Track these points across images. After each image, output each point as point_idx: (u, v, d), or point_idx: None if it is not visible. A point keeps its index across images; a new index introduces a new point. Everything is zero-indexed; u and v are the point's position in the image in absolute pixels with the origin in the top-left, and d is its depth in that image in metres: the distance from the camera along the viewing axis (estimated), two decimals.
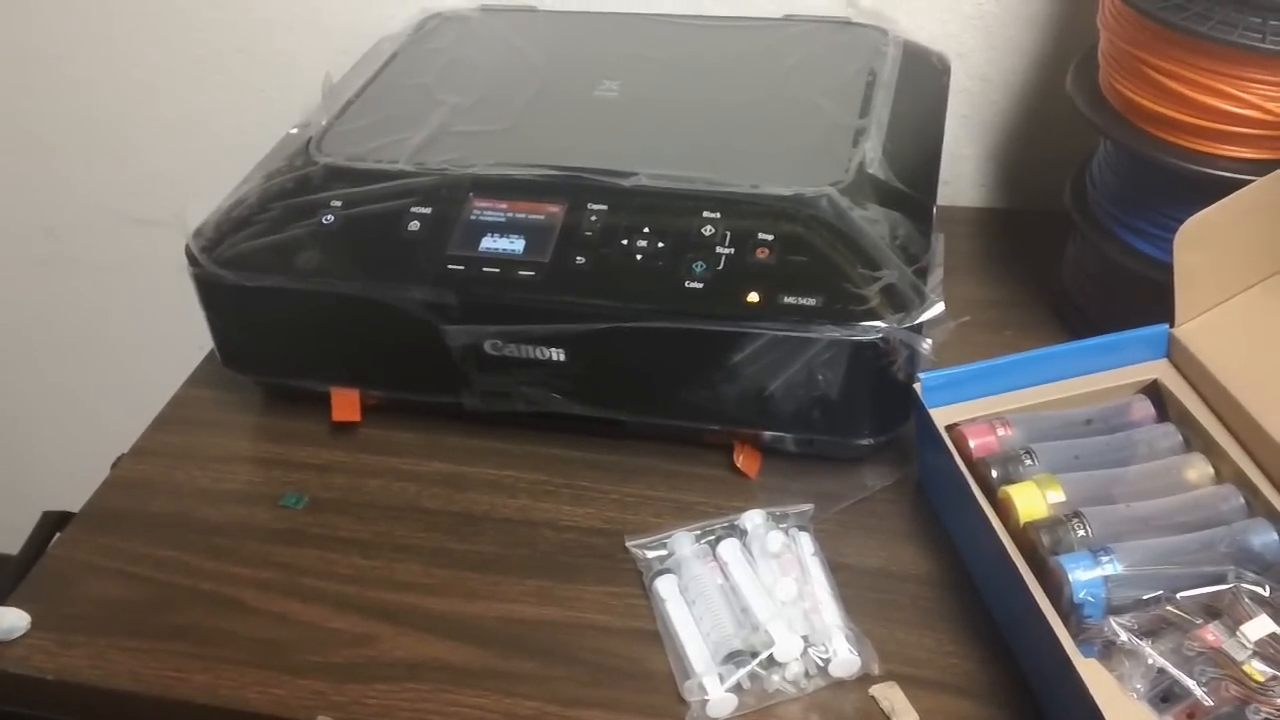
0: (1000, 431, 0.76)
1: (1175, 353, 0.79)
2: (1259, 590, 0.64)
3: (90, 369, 1.66)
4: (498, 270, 0.80)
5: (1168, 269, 0.77)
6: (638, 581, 0.77)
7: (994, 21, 1.07)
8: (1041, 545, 0.68)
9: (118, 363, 1.62)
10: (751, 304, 0.76)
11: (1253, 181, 0.75)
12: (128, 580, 0.81)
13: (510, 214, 0.83)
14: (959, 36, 1.08)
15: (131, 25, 1.29)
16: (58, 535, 0.86)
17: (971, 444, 0.76)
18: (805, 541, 0.77)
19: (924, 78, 0.99)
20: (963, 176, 1.16)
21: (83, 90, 1.36)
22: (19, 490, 1.69)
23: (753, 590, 0.73)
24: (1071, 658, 0.63)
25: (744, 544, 0.77)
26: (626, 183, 0.83)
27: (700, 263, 0.78)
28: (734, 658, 0.70)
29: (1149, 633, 0.64)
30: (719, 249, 0.79)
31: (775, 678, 0.70)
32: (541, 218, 0.82)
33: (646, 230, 0.80)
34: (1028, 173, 1.15)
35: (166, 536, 0.83)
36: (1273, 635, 0.62)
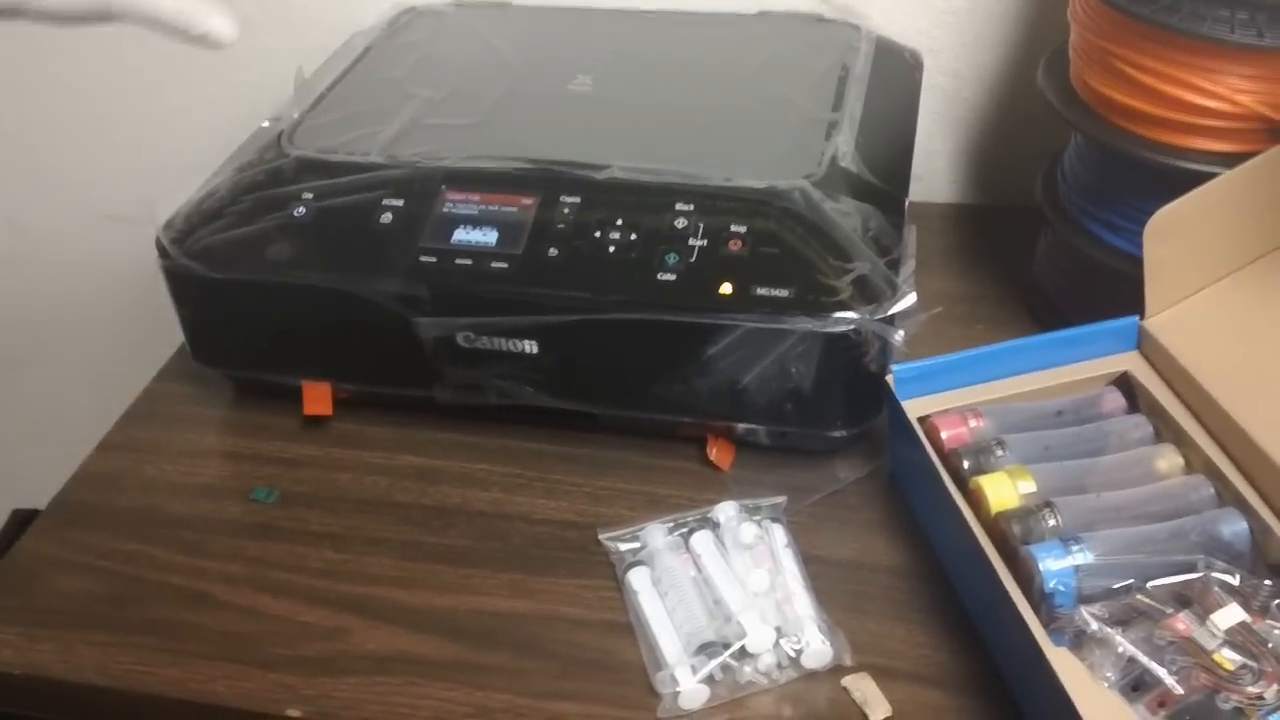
0: (972, 423, 0.76)
1: (1145, 345, 0.80)
2: (1229, 579, 0.65)
3: (60, 367, 1.64)
4: (470, 262, 0.80)
5: (1138, 262, 0.77)
6: (610, 574, 0.77)
7: (965, 18, 1.08)
8: (1013, 535, 0.68)
9: (88, 361, 1.60)
10: (724, 296, 0.76)
11: (1222, 174, 0.76)
12: (95, 574, 0.80)
13: (483, 206, 0.83)
14: (930, 32, 1.08)
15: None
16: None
17: (943, 435, 0.76)
18: (778, 533, 0.77)
19: (896, 73, 0.99)
20: (935, 172, 1.16)
21: (53, 86, 1.35)
22: None
23: (725, 582, 0.73)
24: (1043, 647, 0.63)
25: (717, 536, 0.77)
26: (599, 175, 0.82)
27: (673, 255, 0.78)
28: (706, 649, 0.70)
29: (1120, 622, 0.64)
30: (692, 241, 0.79)
31: (747, 669, 0.70)
32: (514, 210, 0.82)
33: (619, 222, 0.80)
34: (999, 168, 1.16)
35: (135, 530, 0.83)
36: (1243, 624, 0.62)
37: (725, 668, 0.70)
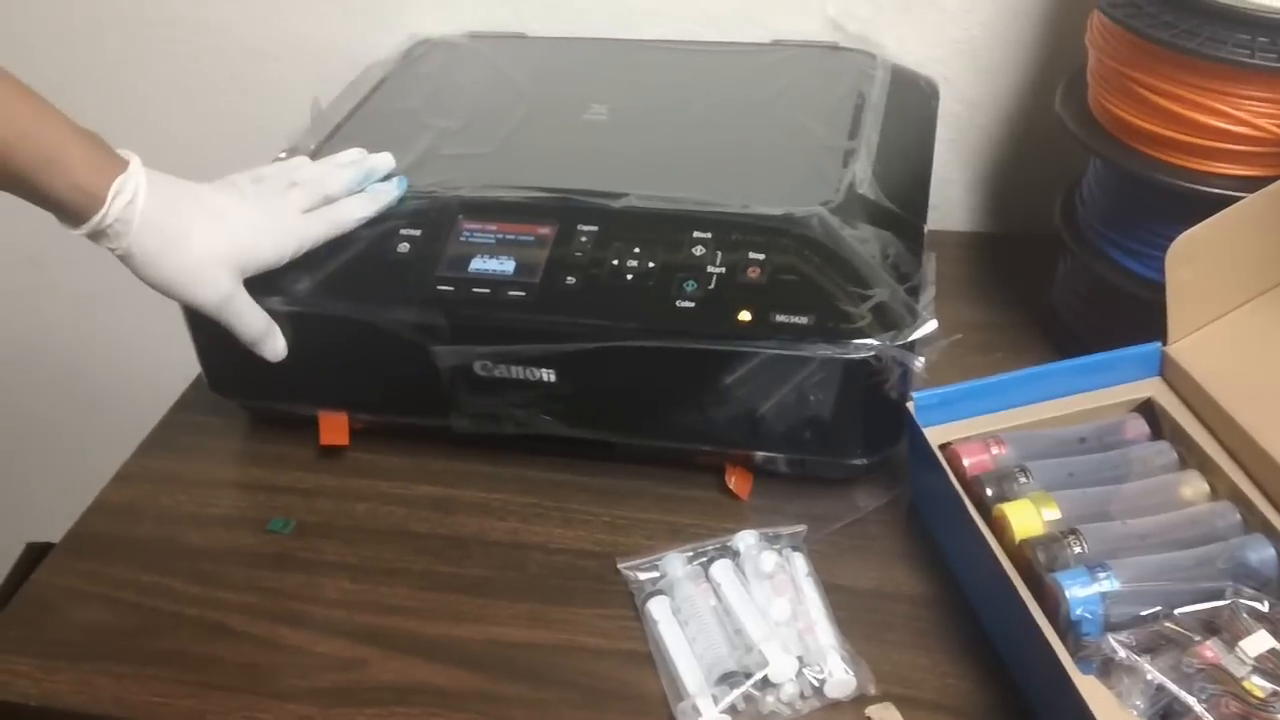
0: (994, 450, 0.76)
1: (1168, 370, 0.79)
2: (1257, 606, 0.64)
3: (75, 399, 1.65)
4: (487, 291, 0.80)
5: (1158, 287, 0.77)
6: (630, 604, 0.77)
7: (980, 46, 1.08)
8: (1038, 562, 0.68)
9: (103, 393, 1.61)
10: (743, 323, 0.76)
11: (1244, 198, 0.75)
12: (112, 605, 0.79)
13: (500, 235, 0.83)
14: (945, 61, 1.08)
15: (120, 54, 1.29)
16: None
17: (965, 462, 0.75)
18: (799, 562, 0.76)
19: (912, 101, 1.00)
20: (951, 200, 1.16)
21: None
22: (1, 523, 1.67)
23: (746, 611, 0.73)
24: (1070, 675, 0.62)
25: (737, 565, 0.76)
26: (616, 204, 0.82)
27: (691, 282, 0.78)
28: (728, 679, 0.69)
29: (1147, 649, 0.63)
30: (710, 268, 0.78)
31: (770, 699, 0.69)
32: (531, 239, 0.82)
33: (637, 250, 0.80)
34: (1016, 196, 1.15)
35: (151, 561, 0.82)
36: (1272, 651, 0.62)
37: (748, 698, 0.69)
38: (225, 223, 0.78)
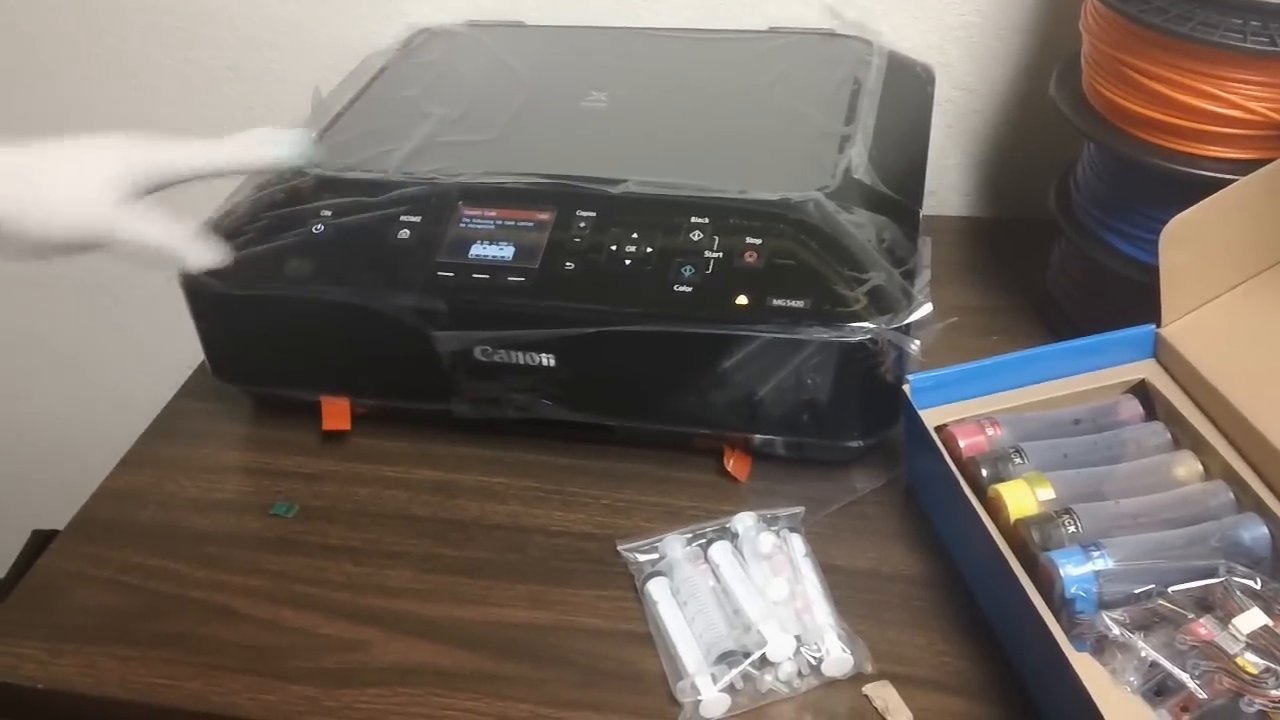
0: (989, 431, 0.76)
1: (1162, 352, 0.80)
2: (1250, 583, 0.65)
3: (79, 388, 1.65)
4: (487, 277, 0.81)
5: (1152, 270, 0.78)
6: (629, 585, 0.77)
7: (976, 32, 1.08)
8: (1032, 542, 0.68)
9: (107, 382, 1.62)
10: (740, 307, 0.77)
11: (1236, 180, 0.76)
12: (117, 589, 0.80)
13: (499, 221, 0.83)
14: (941, 47, 1.09)
15: (120, 43, 1.29)
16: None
17: (961, 444, 0.76)
18: (796, 543, 0.77)
19: (908, 86, 1.00)
20: (947, 186, 1.17)
21: (72, 109, 1.36)
22: (8, 511, 1.68)
23: (745, 591, 0.73)
24: (1065, 653, 0.63)
25: (735, 546, 0.77)
26: (615, 190, 0.83)
27: (689, 267, 0.79)
28: (727, 658, 0.70)
29: (1141, 627, 0.64)
30: (707, 253, 0.79)
31: (768, 678, 0.70)
32: (530, 225, 0.83)
33: (635, 236, 0.81)
34: (1011, 181, 1.16)
35: (156, 545, 0.83)
36: (1265, 628, 0.62)
37: (746, 676, 0.70)
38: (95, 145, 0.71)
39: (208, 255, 0.74)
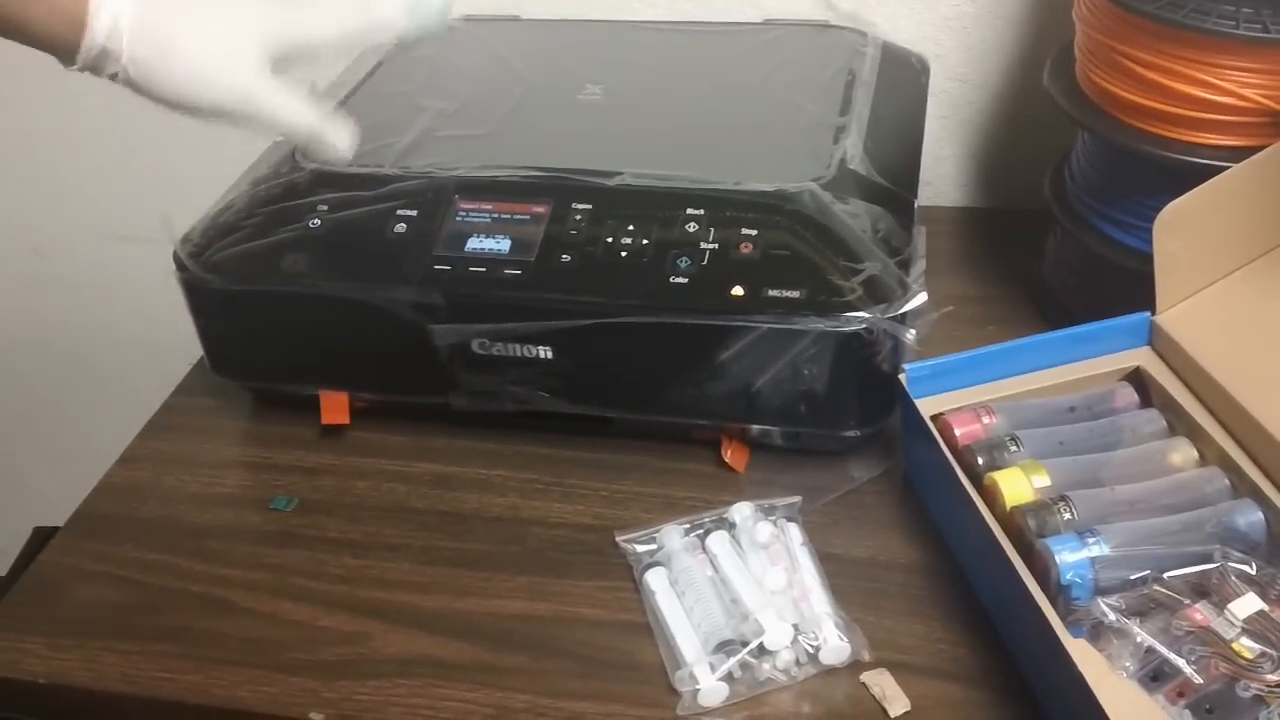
0: (985, 419, 0.77)
1: (1157, 340, 0.80)
2: (1246, 569, 0.65)
3: (79, 386, 1.66)
4: (484, 270, 0.81)
5: (1147, 259, 0.78)
6: (628, 576, 0.78)
7: (970, 23, 1.08)
8: (1028, 529, 0.69)
9: (106, 379, 1.62)
10: (736, 298, 0.77)
11: (1230, 168, 0.76)
12: (118, 584, 0.81)
13: (496, 215, 0.83)
14: (936, 38, 1.09)
15: None
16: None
17: (957, 432, 0.76)
18: (794, 532, 0.77)
19: (903, 77, 1.00)
20: (943, 177, 1.17)
21: (69, 109, 1.36)
22: (9, 509, 1.68)
23: (742, 581, 0.74)
24: (1061, 639, 0.63)
25: (733, 536, 0.77)
26: (611, 182, 0.83)
27: (685, 258, 0.79)
28: (724, 647, 0.70)
29: (1137, 613, 0.64)
30: (703, 245, 0.79)
31: (766, 666, 0.70)
32: (527, 218, 0.83)
33: (631, 228, 0.81)
34: (1007, 171, 1.16)
35: (156, 540, 0.84)
36: (1260, 613, 0.62)
37: (744, 665, 0.70)
38: (235, 6, 0.69)
39: (340, 138, 0.72)
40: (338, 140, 0.72)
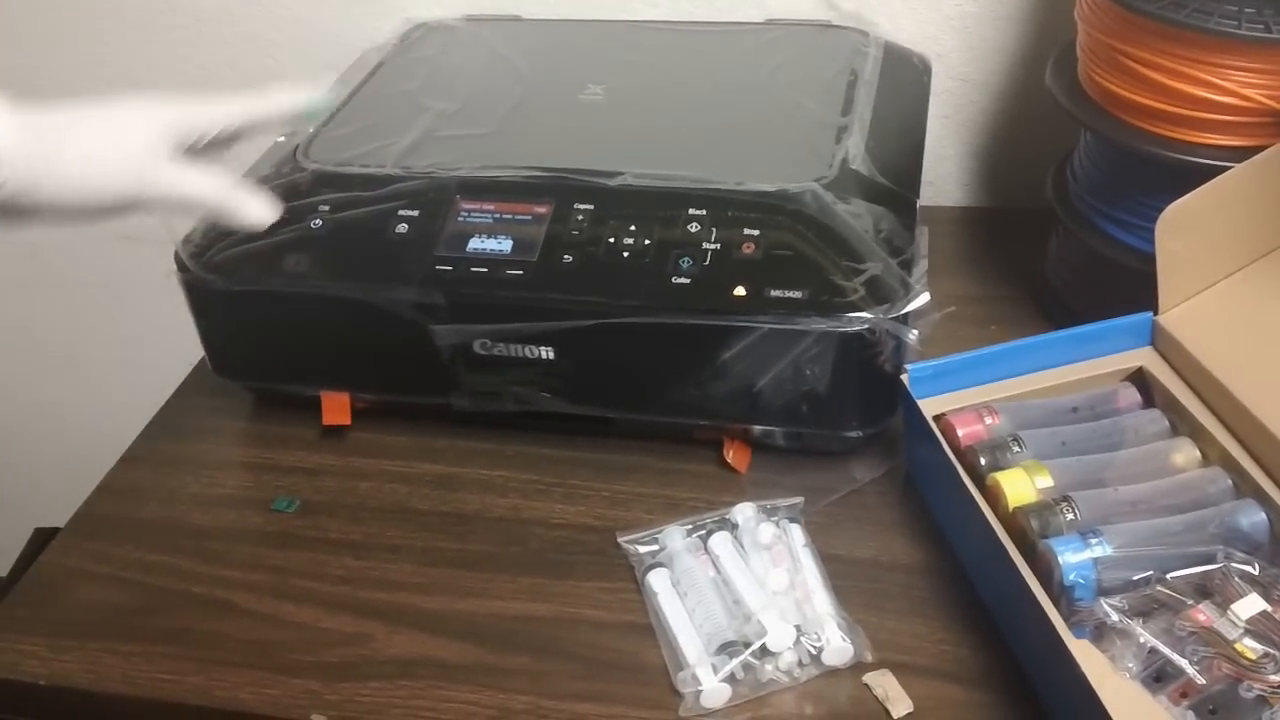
0: (988, 420, 0.77)
1: (1160, 340, 0.80)
2: (1249, 569, 0.65)
3: (79, 387, 1.65)
4: (486, 270, 0.81)
5: (1149, 259, 0.78)
6: (630, 577, 0.78)
7: (972, 22, 1.08)
8: (1031, 529, 0.69)
9: (107, 380, 1.62)
10: (738, 298, 0.77)
11: (1232, 168, 0.76)
12: (119, 585, 0.81)
13: (497, 215, 0.83)
14: (938, 38, 1.09)
15: (119, 43, 1.29)
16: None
17: (960, 432, 0.76)
18: (796, 533, 0.77)
19: (905, 77, 1.00)
20: (945, 176, 1.17)
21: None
22: (9, 509, 1.68)
23: (745, 582, 0.74)
24: (1064, 640, 0.63)
25: (735, 537, 0.77)
26: (612, 182, 0.83)
27: (687, 259, 0.79)
28: (727, 648, 0.70)
29: (1140, 613, 0.64)
30: (705, 245, 0.79)
31: (768, 667, 0.70)
32: (528, 218, 0.83)
33: (633, 228, 0.81)
34: (1009, 171, 1.16)
35: (158, 541, 0.83)
36: (1264, 613, 0.62)
37: (746, 666, 0.70)
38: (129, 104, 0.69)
39: (256, 209, 0.69)
40: (249, 209, 0.69)
